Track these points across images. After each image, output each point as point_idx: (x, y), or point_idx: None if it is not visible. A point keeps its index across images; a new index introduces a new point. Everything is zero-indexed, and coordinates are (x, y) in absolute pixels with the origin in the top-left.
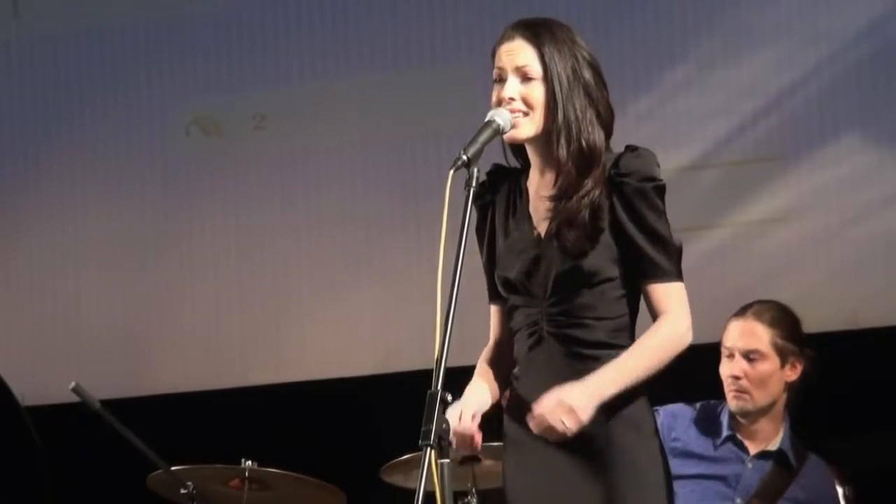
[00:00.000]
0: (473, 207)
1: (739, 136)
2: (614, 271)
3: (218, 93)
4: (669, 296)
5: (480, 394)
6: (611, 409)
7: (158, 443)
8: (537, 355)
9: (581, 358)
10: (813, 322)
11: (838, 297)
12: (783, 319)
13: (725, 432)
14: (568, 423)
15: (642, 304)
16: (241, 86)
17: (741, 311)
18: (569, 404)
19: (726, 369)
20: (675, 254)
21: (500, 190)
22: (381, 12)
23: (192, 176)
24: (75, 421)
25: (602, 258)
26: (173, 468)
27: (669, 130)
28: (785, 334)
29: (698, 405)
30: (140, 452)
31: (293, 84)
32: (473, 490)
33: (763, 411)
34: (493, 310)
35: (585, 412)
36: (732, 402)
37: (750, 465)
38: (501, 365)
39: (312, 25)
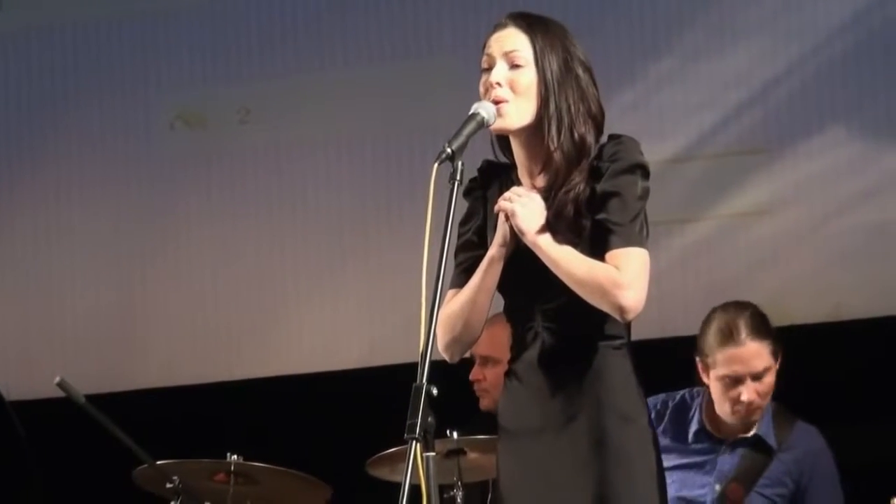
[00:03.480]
0: (463, 201)
1: (723, 129)
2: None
3: (203, 87)
4: (625, 256)
5: None
6: (604, 401)
7: (144, 437)
8: (533, 351)
9: (576, 351)
10: (796, 314)
11: (821, 289)
12: (767, 324)
13: (696, 426)
14: (506, 206)
15: None
16: (225, 80)
17: (733, 338)
18: (519, 211)
19: (733, 393)
20: (638, 223)
21: (491, 185)
22: (365, 5)
23: (177, 169)
24: (60, 416)
25: (590, 251)
26: (159, 462)
27: (653, 123)
28: (773, 337)
29: (661, 397)
30: (125, 447)
31: (278, 78)
32: (459, 483)
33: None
34: (450, 293)
35: (521, 220)
36: (741, 419)
37: (727, 452)
38: None
39: (297, 19)
